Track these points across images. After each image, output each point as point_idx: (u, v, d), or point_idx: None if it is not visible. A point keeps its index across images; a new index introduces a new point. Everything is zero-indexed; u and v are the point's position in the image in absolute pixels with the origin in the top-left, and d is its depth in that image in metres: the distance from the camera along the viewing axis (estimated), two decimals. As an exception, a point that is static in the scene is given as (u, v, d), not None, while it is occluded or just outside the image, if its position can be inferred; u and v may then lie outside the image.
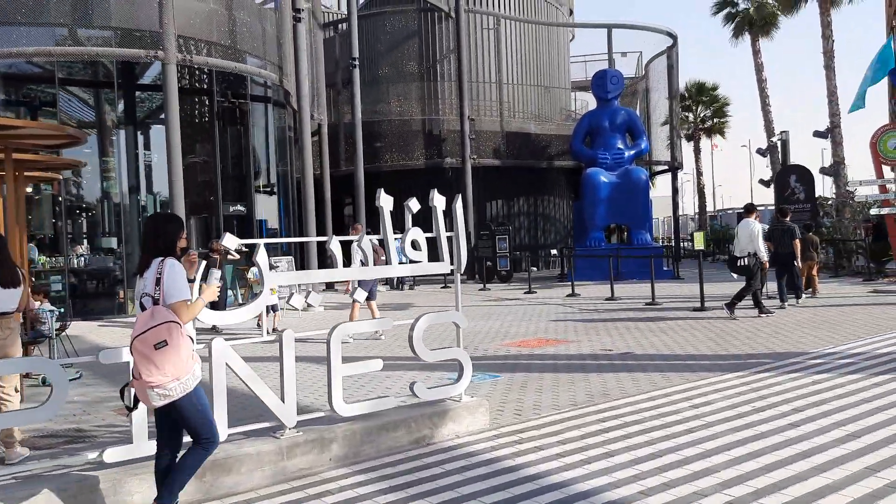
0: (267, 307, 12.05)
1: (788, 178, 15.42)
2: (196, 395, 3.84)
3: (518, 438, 5.53)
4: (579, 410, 6.31)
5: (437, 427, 5.56)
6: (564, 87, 31.46)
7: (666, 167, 31.43)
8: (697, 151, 39.78)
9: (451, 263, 6.07)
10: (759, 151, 27.13)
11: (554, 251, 27.21)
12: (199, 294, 4.15)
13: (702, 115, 40.34)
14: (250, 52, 16.96)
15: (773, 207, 30.35)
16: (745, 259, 12.55)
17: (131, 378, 3.80)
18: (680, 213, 70.12)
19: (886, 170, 15.10)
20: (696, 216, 41.90)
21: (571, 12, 39.37)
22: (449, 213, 6.07)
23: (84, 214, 16.59)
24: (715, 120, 40.36)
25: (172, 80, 14.20)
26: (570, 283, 21.80)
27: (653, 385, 7.16)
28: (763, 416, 5.84)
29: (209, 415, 4.00)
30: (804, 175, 15.62)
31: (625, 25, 28.76)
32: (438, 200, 5.99)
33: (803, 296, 14.20)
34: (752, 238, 12.48)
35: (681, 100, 40.46)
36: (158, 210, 15.96)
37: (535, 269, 29.58)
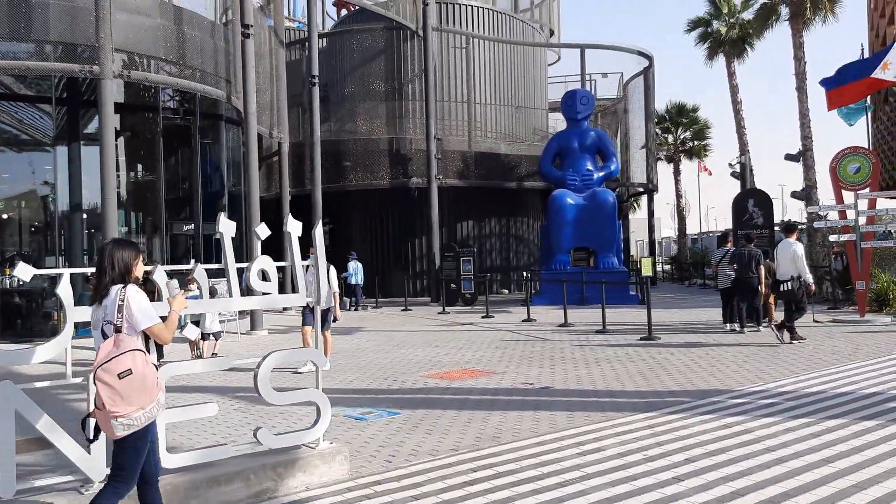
0: (207, 333, 11.44)
1: (746, 202, 15.02)
2: (146, 428, 3.73)
3: (372, 491, 5.01)
4: (457, 457, 5.79)
5: (282, 479, 5.03)
6: (542, 107, 31.17)
7: (641, 189, 31.07)
8: (677, 173, 39.44)
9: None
10: (734, 175, 26.78)
11: (526, 273, 26.77)
12: (170, 308, 4.06)
13: (682, 136, 40.06)
14: (199, 67, 16.52)
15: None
16: (789, 283, 12.05)
17: (92, 408, 3.70)
18: (664, 235, 69.84)
19: (847, 195, 14.69)
20: (676, 239, 41.61)
21: (553, 33, 39.25)
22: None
23: (21, 233, 16.08)
24: (695, 142, 40.08)
25: (108, 96, 13.74)
26: (534, 306, 21.51)
27: (552, 426, 6.66)
28: (650, 466, 5.34)
29: (142, 457, 3.82)
30: (763, 199, 15.22)
31: (597, 46, 28.54)
32: (293, 226, 5.50)
33: (762, 325, 13.76)
34: (796, 260, 11.98)
35: (660, 121, 40.32)
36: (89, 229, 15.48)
37: (506, 291, 29.17)
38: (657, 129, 40.65)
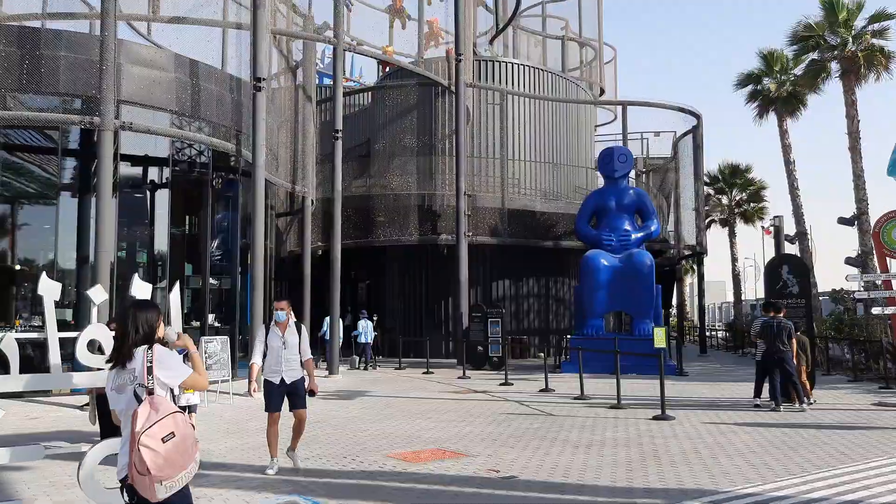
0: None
1: (780, 269, 13.72)
2: (186, 486, 3.74)
3: None
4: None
5: None
6: (587, 165, 30.29)
7: (689, 252, 29.64)
8: (732, 236, 37.70)
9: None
10: (787, 238, 25.18)
11: (552, 338, 25.67)
12: (191, 362, 4.07)
13: (736, 198, 38.40)
14: (211, 120, 16.33)
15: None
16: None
17: (132, 473, 3.60)
18: (726, 300, 67.01)
19: (894, 263, 13.28)
20: (751, 303, 39.58)
21: (603, 92, 38.59)
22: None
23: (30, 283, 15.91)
24: (751, 204, 38.33)
25: (108, 147, 13.55)
26: (562, 373, 20.33)
27: (482, 533, 5.64)
28: None
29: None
30: (798, 266, 13.88)
31: (638, 103, 27.66)
32: (46, 287, 4.50)
33: (802, 403, 12.42)
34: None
35: (713, 182, 38.85)
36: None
37: (542, 355, 27.88)
38: (710, 190, 39.21)
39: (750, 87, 27.69)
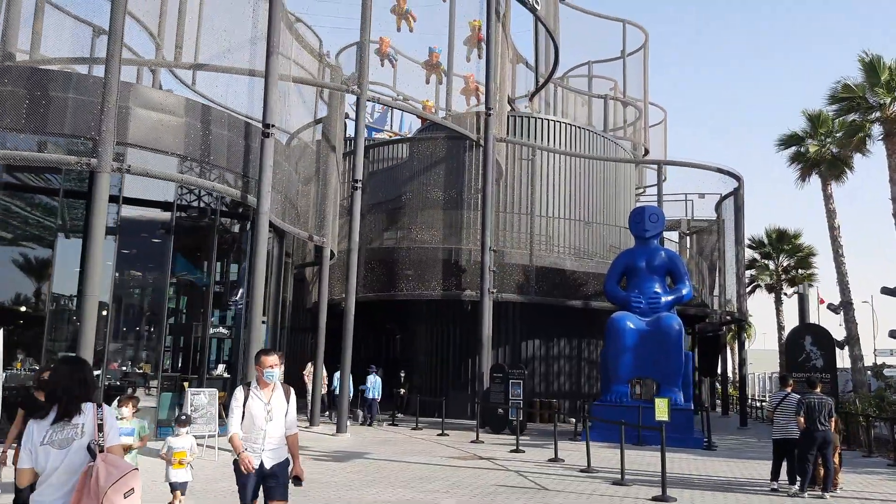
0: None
1: (803, 340, 12.56)
2: None
3: None
4: None
5: None
6: (624, 224, 29.41)
7: (729, 319, 28.22)
8: (778, 303, 35.99)
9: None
10: (831, 308, 23.73)
11: (559, 403, 24.52)
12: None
13: (784, 264, 36.78)
14: (219, 165, 16.10)
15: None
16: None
17: None
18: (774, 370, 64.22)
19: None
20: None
21: (647, 151, 37.84)
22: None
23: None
24: (799, 271, 36.62)
25: (104, 190, 13.33)
26: (582, 441, 19.08)
27: None
28: None
29: None
30: (822, 338, 12.69)
31: (676, 163, 26.83)
32: None
33: (828, 493, 11.18)
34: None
35: (759, 247, 37.37)
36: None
37: (573, 420, 26.60)
38: (756, 255, 37.72)
39: (793, 149, 26.56)
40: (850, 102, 22.40)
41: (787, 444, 11.60)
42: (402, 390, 26.85)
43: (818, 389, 11.44)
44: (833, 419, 11.43)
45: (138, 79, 23.63)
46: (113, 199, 15.53)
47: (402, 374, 28.22)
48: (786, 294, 36.97)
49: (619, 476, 12.23)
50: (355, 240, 19.42)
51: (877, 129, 21.78)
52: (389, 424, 22.48)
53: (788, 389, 12.10)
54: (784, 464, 11.82)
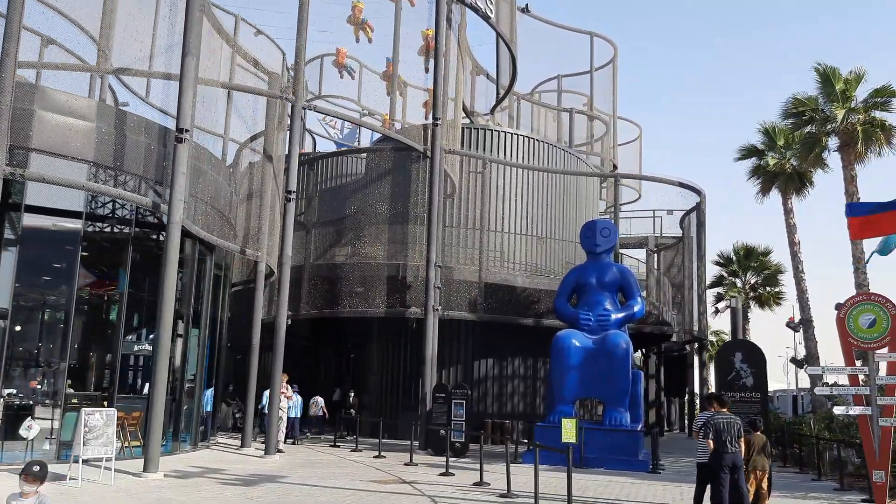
0: None
1: (732, 357, 11.86)
2: None
3: None
4: None
5: None
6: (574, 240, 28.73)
7: (689, 337, 27.53)
8: (745, 322, 35.29)
9: None
10: (790, 325, 23.06)
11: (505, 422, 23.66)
12: None
13: (751, 282, 36.18)
14: (135, 173, 15.34)
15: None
16: None
17: None
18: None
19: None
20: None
21: (615, 167, 37.26)
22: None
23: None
24: (767, 288, 36.02)
25: (-7, 194, 12.56)
26: (523, 464, 18.25)
27: None
28: None
29: None
30: (752, 354, 12.00)
31: (634, 176, 26.38)
32: None
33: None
34: None
35: (727, 264, 36.80)
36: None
37: (526, 441, 25.75)
38: (724, 272, 37.15)
39: (751, 162, 26.00)
40: (805, 116, 21.87)
41: (707, 468, 10.85)
42: (352, 410, 25.99)
43: (725, 408, 10.73)
44: (741, 439, 10.72)
45: (90, 92, 22.94)
46: (15, 206, 14.80)
47: (352, 394, 27.36)
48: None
49: (535, 502, 11.41)
50: (287, 254, 18.64)
51: (833, 141, 21.26)
52: (331, 445, 21.61)
53: (719, 410, 11.33)
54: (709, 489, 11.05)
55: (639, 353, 37.02)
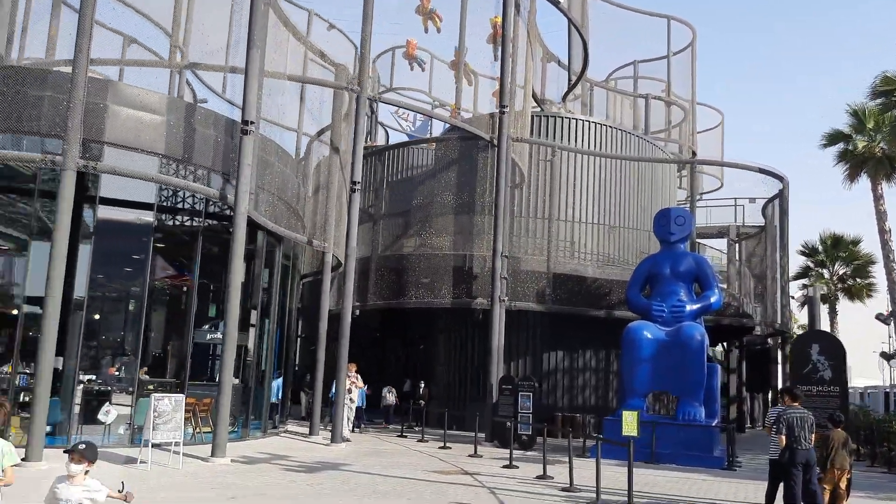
0: None
1: (809, 349, 11.18)
2: None
3: None
4: None
5: None
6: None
7: (772, 330, 26.40)
8: (833, 314, 33.64)
9: None
10: (879, 318, 21.81)
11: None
12: None
13: (840, 272, 34.40)
14: (204, 165, 15.63)
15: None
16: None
17: None
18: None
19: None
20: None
21: (694, 154, 36.07)
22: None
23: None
24: (857, 280, 34.17)
25: (69, 187, 12.96)
26: (591, 458, 17.81)
27: None
28: None
29: None
30: (831, 346, 11.28)
31: (710, 162, 25.37)
32: None
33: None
34: None
35: (813, 254, 35.17)
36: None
37: (595, 435, 25.23)
38: (810, 263, 35.51)
39: (839, 147, 24.64)
40: (894, 96, 20.55)
41: (780, 465, 10.30)
42: (422, 401, 26.05)
43: (797, 402, 10.16)
44: (812, 435, 10.14)
45: (170, 88, 23.67)
46: (91, 199, 15.32)
47: (422, 385, 27.43)
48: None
49: (596, 497, 11.09)
50: (353, 245, 18.70)
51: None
52: (398, 435, 21.68)
53: (791, 404, 10.74)
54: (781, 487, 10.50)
55: (720, 347, 35.84)
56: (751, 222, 36.20)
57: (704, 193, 43.94)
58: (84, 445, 5.45)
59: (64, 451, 5.38)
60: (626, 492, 10.38)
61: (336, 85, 19.53)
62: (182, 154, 15.36)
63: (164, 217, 16.36)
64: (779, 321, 26.05)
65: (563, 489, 12.45)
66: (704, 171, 42.72)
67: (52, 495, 5.08)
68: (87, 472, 5.29)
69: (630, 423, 12.12)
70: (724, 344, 34.17)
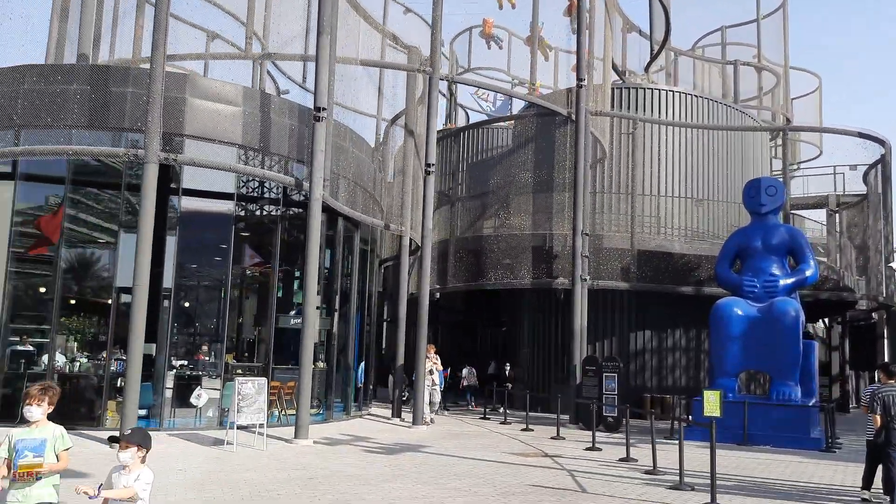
0: None
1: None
2: None
3: None
4: None
5: None
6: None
7: (874, 304, 24.93)
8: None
9: None
10: None
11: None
12: None
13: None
14: (279, 153, 15.89)
15: None
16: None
17: None
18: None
19: None
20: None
21: (789, 122, 34.39)
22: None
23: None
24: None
25: (152, 180, 13.38)
26: (686, 441, 17.24)
27: None
28: None
29: None
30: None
31: (803, 128, 24.13)
32: None
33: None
34: None
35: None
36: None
37: (689, 417, 24.48)
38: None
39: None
40: None
41: (878, 446, 9.67)
42: (508, 384, 25.91)
43: (894, 381, 9.48)
44: None
45: (252, 81, 24.26)
46: (175, 191, 15.82)
47: (507, 367, 27.29)
48: None
49: (679, 480, 10.72)
50: (429, 227, 18.66)
51: None
52: (481, 417, 21.64)
53: (887, 382, 10.05)
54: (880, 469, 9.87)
55: (821, 323, 34.19)
56: (852, 191, 34.26)
57: (802, 163, 41.86)
58: (130, 431, 5.24)
59: (109, 440, 5.17)
60: (724, 475, 9.95)
61: (408, 67, 19.48)
62: (259, 143, 15.64)
63: (245, 206, 16.73)
64: (883, 294, 24.53)
65: (646, 472, 12.10)
66: (802, 140, 40.68)
67: (109, 483, 5.05)
68: (143, 460, 5.06)
69: (712, 402, 11.62)
70: (826, 320, 32.55)
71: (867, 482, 9.94)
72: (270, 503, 8.69)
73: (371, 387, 22.99)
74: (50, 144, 13.84)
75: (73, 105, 14.23)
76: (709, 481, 9.92)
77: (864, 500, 9.84)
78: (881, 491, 9.65)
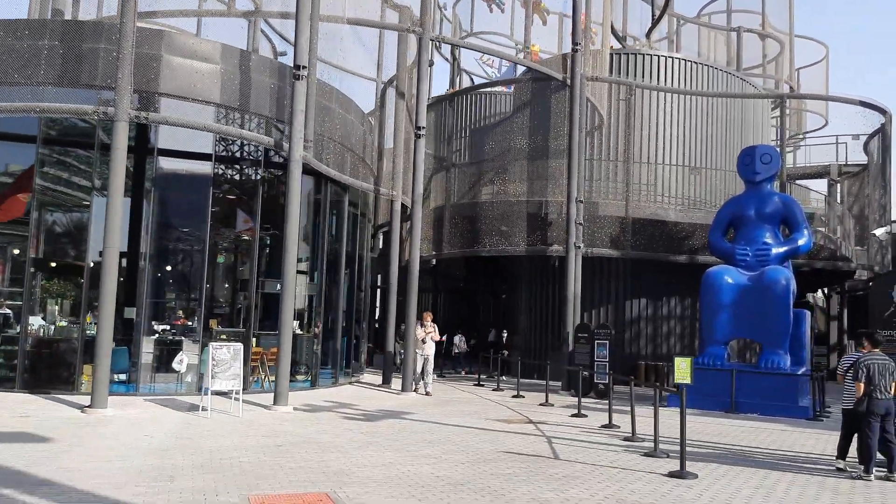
0: None
1: (891, 290, 10.04)
2: None
3: None
4: None
5: None
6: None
7: (873, 275, 24.51)
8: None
9: None
10: None
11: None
12: None
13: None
14: (258, 113, 15.50)
15: None
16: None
17: None
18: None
19: None
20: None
21: (793, 90, 33.73)
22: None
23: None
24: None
25: (122, 139, 13.01)
26: (668, 407, 17.02)
27: None
28: None
29: None
30: (920, 286, 10.11)
31: (803, 96, 23.56)
32: None
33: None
34: None
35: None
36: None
37: (663, 385, 24.29)
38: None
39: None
40: None
41: (853, 415, 9.40)
42: (505, 351, 25.72)
43: (878, 350, 9.19)
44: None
45: (248, 43, 23.76)
46: (150, 151, 15.48)
47: (504, 334, 27.08)
48: None
49: (654, 447, 10.47)
50: (419, 191, 18.28)
51: None
52: (475, 384, 21.47)
53: (865, 350, 9.76)
54: (855, 439, 9.61)
55: (820, 293, 33.85)
56: (854, 161, 33.71)
57: (808, 133, 41.20)
58: None
59: None
60: (696, 442, 9.70)
61: (398, 27, 18.97)
62: (238, 103, 15.25)
63: (225, 168, 16.37)
64: (877, 264, 24.13)
65: (625, 439, 11.87)
66: (808, 109, 39.99)
67: None
68: None
69: (683, 369, 11.34)
70: (825, 290, 32.21)
71: (843, 451, 9.68)
72: (229, 470, 8.45)
73: (365, 354, 22.80)
74: (18, 102, 13.48)
75: (41, 61, 13.84)
76: (691, 448, 9.66)
77: (838, 469, 9.58)
78: (856, 460, 9.40)
